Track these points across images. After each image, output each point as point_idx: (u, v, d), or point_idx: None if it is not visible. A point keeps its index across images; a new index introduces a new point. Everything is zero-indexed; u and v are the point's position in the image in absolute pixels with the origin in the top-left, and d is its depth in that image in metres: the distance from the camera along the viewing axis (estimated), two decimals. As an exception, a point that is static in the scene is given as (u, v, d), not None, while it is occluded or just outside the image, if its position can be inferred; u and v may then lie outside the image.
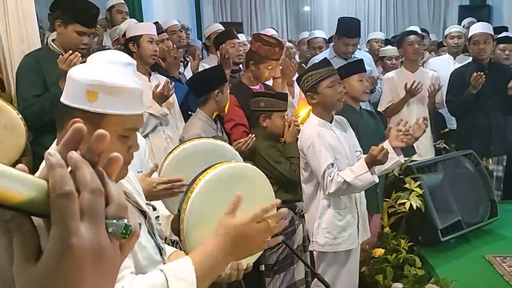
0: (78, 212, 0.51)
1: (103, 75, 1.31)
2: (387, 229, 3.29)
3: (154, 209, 1.97)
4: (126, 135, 1.34)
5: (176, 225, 1.53)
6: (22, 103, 2.98)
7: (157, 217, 1.92)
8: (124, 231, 0.54)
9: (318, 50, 5.44)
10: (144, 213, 1.49)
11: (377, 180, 2.75)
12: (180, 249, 1.71)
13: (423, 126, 2.81)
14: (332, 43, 4.85)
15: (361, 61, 3.59)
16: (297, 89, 4.49)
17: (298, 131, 3.17)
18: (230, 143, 3.03)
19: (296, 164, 3.09)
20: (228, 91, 3.24)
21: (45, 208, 0.51)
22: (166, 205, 2.08)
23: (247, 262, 1.63)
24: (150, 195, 1.95)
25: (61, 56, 2.86)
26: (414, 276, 3.00)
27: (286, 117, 3.35)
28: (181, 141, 2.91)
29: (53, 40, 3.15)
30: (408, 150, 3.02)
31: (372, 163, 2.68)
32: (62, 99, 1.36)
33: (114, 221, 0.54)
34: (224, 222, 1.34)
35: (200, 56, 4.85)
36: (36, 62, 3.03)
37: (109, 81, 1.30)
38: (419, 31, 5.37)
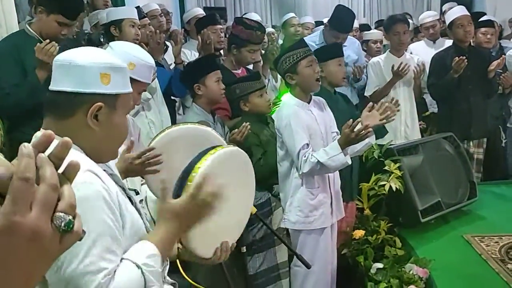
0: (30, 197, 0.59)
1: (109, 58, 1.42)
2: (367, 211, 3.34)
3: (137, 193, 1.99)
4: (128, 113, 1.51)
5: None
6: None
7: (141, 201, 1.95)
8: (65, 226, 0.62)
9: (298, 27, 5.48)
10: (128, 198, 1.51)
11: (349, 162, 2.79)
12: None
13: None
14: (322, 29, 4.84)
15: (339, 44, 3.61)
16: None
17: None
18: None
19: (269, 155, 3.11)
20: (214, 81, 3.18)
21: (4, 188, 0.58)
22: (151, 189, 2.08)
23: (231, 241, 1.67)
24: (128, 171, 1.98)
25: (38, 44, 2.81)
26: (394, 257, 3.05)
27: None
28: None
29: (29, 24, 3.10)
30: (380, 130, 3.05)
31: (345, 143, 2.71)
32: (65, 88, 1.36)
33: (61, 214, 0.62)
34: (164, 207, 1.44)
35: (182, 40, 4.83)
36: (14, 48, 2.96)
37: (116, 62, 1.42)
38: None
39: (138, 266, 1.31)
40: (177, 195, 1.48)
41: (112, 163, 1.61)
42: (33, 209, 0.59)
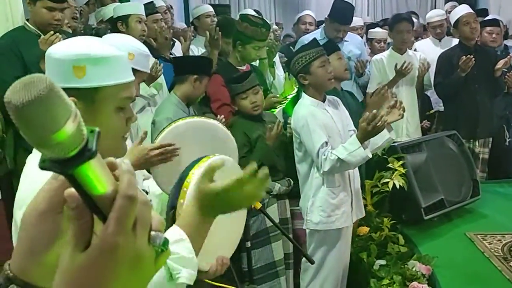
0: (133, 216, 0.56)
1: (86, 47, 1.28)
2: (370, 208, 3.35)
3: (147, 193, 1.99)
4: (122, 106, 1.32)
5: (171, 221, 1.48)
6: (2, 85, 2.92)
7: (147, 193, 1.95)
8: (163, 245, 0.60)
9: (309, 25, 5.47)
10: None
11: (370, 155, 2.79)
12: None
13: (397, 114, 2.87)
14: (323, 25, 4.86)
15: (332, 41, 3.63)
16: (279, 70, 4.52)
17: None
18: None
19: (256, 152, 3.13)
20: (204, 84, 3.17)
21: (107, 206, 0.55)
22: (157, 182, 2.09)
23: (227, 255, 1.65)
24: (143, 162, 1.97)
25: (42, 37, 2.83)
26: (397, 253, 3.06)
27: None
28: (153, 124, 2.89)
29: (28, 20, 3.12)
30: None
31: (363, 137, 2.70)
32: None
33: (158, 233, 0.59)
34: (200, 188, 1.30)
35: (192, 37, 4.84)
36: (13, 43, 3.00)
37: (95, 52, 1.26)
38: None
39: None
40: (172, 206, 1.45)
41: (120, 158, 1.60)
42: (134, 230, 0.56)
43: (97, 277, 0.56)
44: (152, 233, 0.59)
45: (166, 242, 0.60)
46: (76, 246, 0.56)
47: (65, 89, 1.31)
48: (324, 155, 2.77)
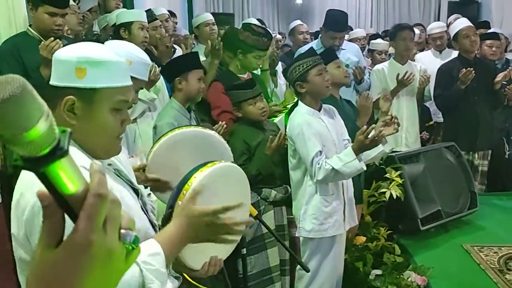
0: (104, 214, 0.58)
1: (89, 51, 1.37)
2: (367, 218, 3.36)
3: (146, 187, 2.02)
4: (118, 108, 1.40)
5: (167, 221, 1.51)
6: None
7: (149, 195, 1.97)
8: (134, 243, 0.62)
9: (306, 34, 5.51)
10: (136, 191, 1.53)
11: (365, 168, 2.81)
12: None
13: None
14: (320, 35, 4.90)
15: (330, 49, 3.66)
16: (281, 79, 4.55)
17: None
18: None
19: (257, 160, 3.15)
20: (196, 78, 3.13)
21: (78, 205, 0.57)
22: (156, 194, 2.11)
23: (223, 256, 1.67)
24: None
25: (42, 42, 2.86)
26: (392, 263, 3.07)
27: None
28: (155, 128, 2.92)
29: (30, 25, 3.15)
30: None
31: (359, 149, 2.73)
32: (51, 82, 1.40)
33: (128, 231, 0.62)
34: (186, 208, 1.40)
35: (193, 45, 4.88)
36: (15, 48, 3.02)
37: (96, 56, 1.36)
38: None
39: (137, 263, 1.29)
40: (170, 206, 1.49)
41: (123, 157, 1.63)
42: (105, 227, 0.58)
43: (68, 273, 0.57)
44: (123, 231, 0.61)
45: (136, 240, 0.62)
46: (48, 244, 0.58)
47: (67, 88, 1.36)
48: (319, 164, 2.80)
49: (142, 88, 2.50)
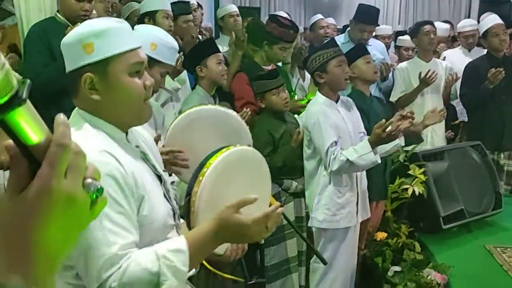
0: (65, 163, 0.61)
1: (90, 26, 1.40)
2: (389, 213, 3.33)
3: (170, 175, 2.02)
4: (135, 71, 1.41)
5: (186, 208, 1.55)
6: (30, 72, 2.98)
7: (173, 182, 1.98)
8: (97, 191, 0.64)
9: (327, 28, 5.49)
10: (159, 177, 1.52)
11: (379, 161, 2.80)
12: None
13: (438, 117, 2.84)
14: (348, 28, 4.86)
15: (362, 44, 3.63)
16: (307, 72, 4.53)
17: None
18: None
19: (281, 151, 3.13)
20: (215, 62, 3.15)
21: (42, 155, 0.60)
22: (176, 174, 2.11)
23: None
24: None
25: (69, 27, 2.89)
26: (412, 261, 3.04)
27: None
28: (179, 113, 2.93)
29: (58, 11, 3.18)
30: (418, 137, 3.05)
31: (375, 142, 2.73)
32: (67, 70, 1.42)
33: (91, 181, 0.64)
34: (226, 215, 1.38)
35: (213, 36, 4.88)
36: (43, 32, 3.05)
37: (98, 27, 1.38)
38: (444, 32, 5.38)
39: (157, 257, 1.30)
40: (188, 193, 1.50)
41: (153, 143, 1.64)
42: (68, 175, 0.61)
43: (31, 218, 0.59)
44: (87, 180, 0.63)
45: (100, 189, 0.64)
46: (13, 191, 0.61)
47: (81, 68, 1.35)
48: (333, 154, 2.80)
49: (168, 73, 2.49)
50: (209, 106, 2.16)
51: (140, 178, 1.39)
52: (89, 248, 1.26)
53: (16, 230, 0.59)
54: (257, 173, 1.66)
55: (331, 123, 2.87)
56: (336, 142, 2.83)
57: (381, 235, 3.27)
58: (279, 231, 3.21)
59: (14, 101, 0.56)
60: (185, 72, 3.62)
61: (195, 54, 3.20)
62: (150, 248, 1.32)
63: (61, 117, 0.62)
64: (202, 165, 1.53)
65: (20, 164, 0.61)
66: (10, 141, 0.60)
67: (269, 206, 2.00)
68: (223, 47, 4.64)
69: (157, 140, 2.07)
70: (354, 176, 2.97)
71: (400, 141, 2.86)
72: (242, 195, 1.48)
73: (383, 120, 2.72)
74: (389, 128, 2.67)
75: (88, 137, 1.36)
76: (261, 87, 3.34)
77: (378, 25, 7.01)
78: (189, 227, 1.53)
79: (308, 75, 4.48)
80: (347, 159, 2.76)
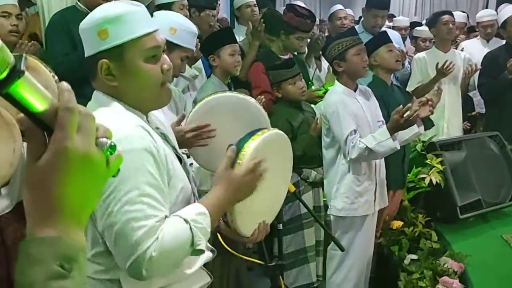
0: (75, 125, 0.65)
1: (104, 11, 1.39)
2: (405, 202, 3.33)
3: (188, 156, 2.05)
4: (152, 55, 1.41)
5: None
6: (52, 60, 3.03)
7: (191, 164, 2.00)
8: (110, 148, 0.69)
9: (344, 20, 5.46)
10: (179, 158, 1.54)
11: (398, 147, 2.80)
12: None
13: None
14: (362, 19, 4.85)
15: (384, 32, 3.61)
16: (324, 63, 4.53)
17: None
18: None
19: (300, 140, 3.15)
20: (229, 53, 3.12)
21: (52, 121, 0.65)
22: (194, 157, 2.13)
23: (268, 221, 1.71)
24: (180, 143, 2.00)
25: None
26: (429, 249, 3.04)
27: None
28: (194, 102, 2.95)
29: (79, 0, 3.22)
30: (426, 122, 3.04)
31: (394, 129, 2.73)
32: (86, 55, 1.44)
33: (103, 139, 0.69)
34: (225, 174, 1.47)
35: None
36: (64, 21, 3.08)
37: (112, 12, 1.37)
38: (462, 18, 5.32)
39: (186, 221, 1.34)
40: None
41: (167, 123, 1.67)
42: (79, 135, 0.65)
43: (52, 177, 0.65)
44: (100, 139, 0.68)
45: (113, 146, 0.69)
46: (32, 159, 0.66)
47: (97, 54, 1.37)
48: (353, 142, 2.80)
49: (188, 57, 2.50)
50: (228, 93, 2.16)
51: (168, 157, 1.42)
52: (126, 221, 1.27)
53: (41, 190, 0.65)
54: (284, 157, 1.70)
55: (350, 112, 2.87)
56: (355, 131, 2.83)
57: (397, 224, 3.27)
58: (297, 219, 3.23)
59: (14, 74, 0.61)
60: (200, 61, 3.64)
61: (209, 43, 3.20)
62: (175, 216, 1.36)
63: (64, 84, 0.67)
64: (238, 149, 1.52)
65: (34, 134, 0.67)
66: (22, 114, 0.65)
67: (287, 193, 2.03)
68: (239, 37, 4.66)
69: (181, 120, 2.10)
70: (373, 165, 2.97)
71: (420, 129, 2.84)
72: (273, 178, 1.54)
73: (401, 106, 2.71)
74: (407, 113, 2.66)
75: (120, 113, 1.39)
76: (277, 76, 3.35)
77: (394, 16, 7.00)
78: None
79: (324, 66, 4.49)
80: (366, 147, 2.76)
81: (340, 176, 2.95)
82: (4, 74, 0.60)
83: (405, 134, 2.84)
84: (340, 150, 2.93)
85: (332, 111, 2.89)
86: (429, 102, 2.83)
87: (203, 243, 1.36)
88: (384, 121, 2.99)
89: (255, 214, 1.62)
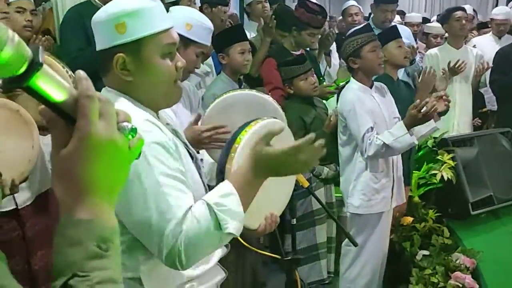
0: (97, 111, 0.68)
1: (123, 5, 1.38)
2: (416, 199, 3.33)
3: (198, 152, 2.06)
4: (168, 52, 1.41)
5: None
6: (66, 56, 3.02)
7: (201, 160, 2.00)
8: (132, 131, 0.72)
9: (355, 16, 5.43)
10: (190, 155, 1.53)
11: (416, 142, 2.80)
12: None
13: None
14: (371, 15, 4.85)
15: (394, 27, 3.60)
16: (334, 59, 4.53)
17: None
18: None
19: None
20: (238, 52, 3.02)
21: (73, 110, 0.67)
22: (209, 153, 2.14)
23: (277, 213, 1.68)
24: (195, 143, 1.97)
25: None
26: (441, 245, 3.04)
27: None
28: (202, 99, 2.94)
29: None
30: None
31: (411, 124, 2.72)
32: (98, 48, 1.42)
33: (124, 124, 0.71)
34: (258, 148, 1.37)
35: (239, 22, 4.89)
36: (79, 16, 3.08)
37: (131, 7, 1.36)
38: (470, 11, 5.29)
39: (208, 205, 1.30)
40: (221, 171, 1.48)
41: (176, 120, 1.66)
42: (101, 121, 0.68)
43: (79, 162, 0.68)
44: (120, 124, 0.71)
45: (134, 129, 0.72)
46: (58, 147, 0.69)
47: (113, 48, 1.36)
48: (370, 139, 2.79)
49: (203, 54, 2.50)
50: (245, 91, 2.16)
51: (181, 150, 1.42)
52: (157, 214, 1.27)
53: (71, 177, 0.68)
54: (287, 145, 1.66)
55: (366, 109, 2.86)
56: (372, 128, 2.82)
57: (407, 220, 3.27)
58: (309, 216, 3.24)
59: (33, 67, 0.63)
60: (210, 58, 3.64)
61: (219, 41, 3.15)
62: (200, 202, 1.32)
63: (81, 72, 0.69)
64: (232, 141, 1.51)
65: (57, 124, 0.69)
66: (43, 106, 0.67)
67: (301, 188, 2.02)
68: (250, 33, 4.67)
69: (197, 119, 2.10)
70: (390, 162, 2.96)
71: (437, 124, 2.83)
72: None
73: (418, 101, 2.71)
74: (425, 108, 2.65)
75: (128, 108, 1.34)
76: (288, 73, 3.35)
77: (404, 13, 6.97)
78: None
79: (334, 62, 4.49)
80: (383, 143, 2.75)
81: (357, 173, 2.94)
82: (24, 68, 0.62)
83: (422, 130, 2.83)
84: (357, 147, 2.92)
85: (348, 109, 2.88)
86: (444, 97, 2.82)
87: (231, 225, 1.29)
88: (400, 117, 2.98)
89: (259, 207, 1.55)
